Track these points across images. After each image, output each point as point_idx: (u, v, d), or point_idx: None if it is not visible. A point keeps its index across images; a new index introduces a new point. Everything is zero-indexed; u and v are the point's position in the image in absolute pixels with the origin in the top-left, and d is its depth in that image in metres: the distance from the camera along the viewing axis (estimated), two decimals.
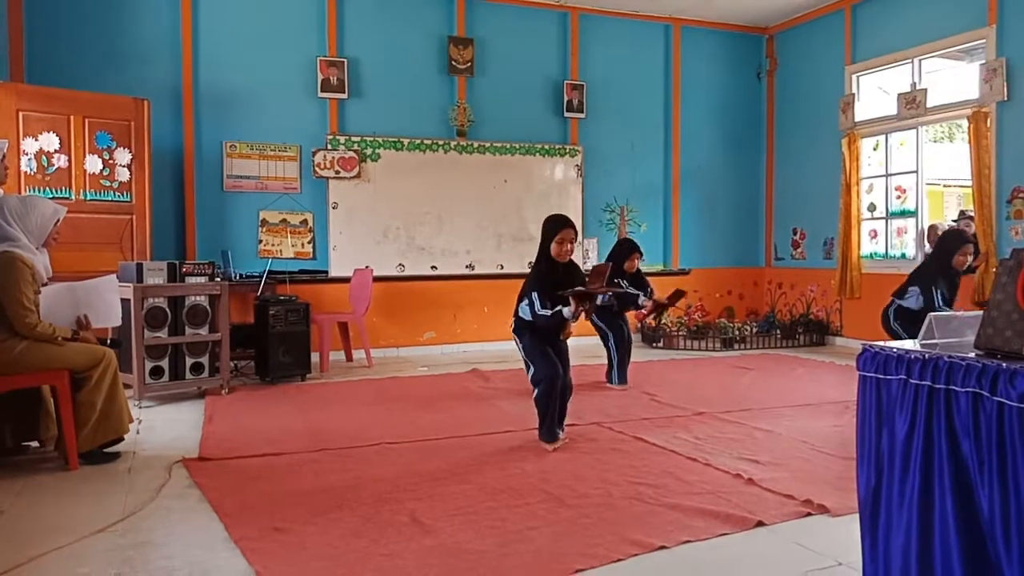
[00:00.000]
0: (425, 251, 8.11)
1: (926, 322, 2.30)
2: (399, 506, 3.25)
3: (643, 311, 6.07)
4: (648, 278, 6.31)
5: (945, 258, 5.14)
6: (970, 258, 5.13)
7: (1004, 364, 1.90)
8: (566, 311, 4.11)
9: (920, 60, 7.72)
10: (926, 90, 7.56)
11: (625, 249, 6.15)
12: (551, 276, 4.26)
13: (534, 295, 4.19)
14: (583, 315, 4.25)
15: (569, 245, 4.28)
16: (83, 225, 5.98)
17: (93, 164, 6.19)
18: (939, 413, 2.05)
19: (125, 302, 5.02)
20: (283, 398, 5.71)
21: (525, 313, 4.24)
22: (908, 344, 2.28)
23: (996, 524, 1.90)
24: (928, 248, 7.83)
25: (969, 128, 7.05)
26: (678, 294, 5.65)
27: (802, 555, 2.78)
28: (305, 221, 7.72)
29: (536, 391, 4.23)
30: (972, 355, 2.03)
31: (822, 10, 8.74)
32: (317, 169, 7.65)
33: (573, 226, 4.34)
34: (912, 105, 7.63)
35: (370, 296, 7.18)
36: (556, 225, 4.32)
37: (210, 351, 5.68)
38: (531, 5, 8.50)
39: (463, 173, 8.23)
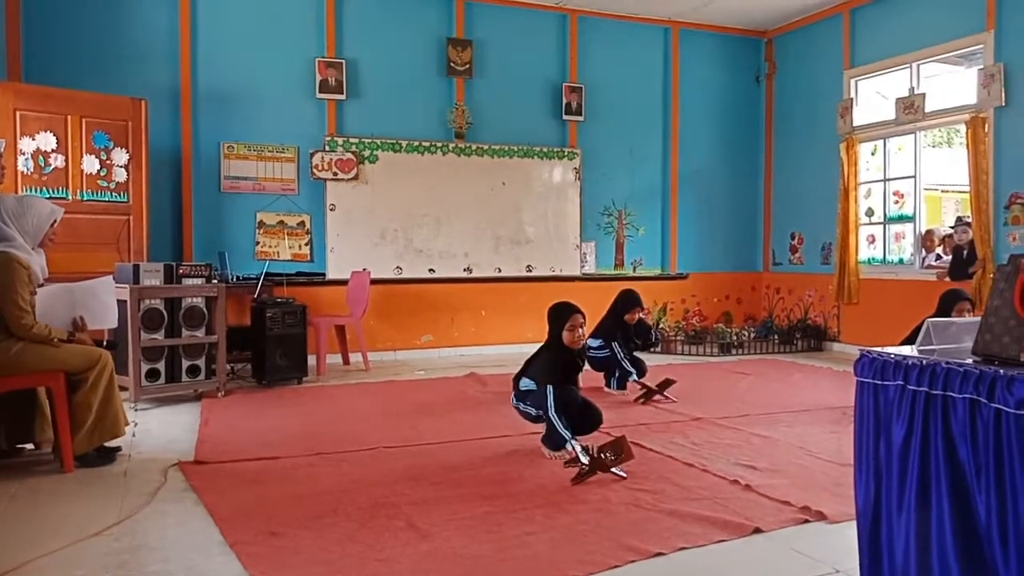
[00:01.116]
0: (423, 254, 8.10)
1: (924, 328, 2.30)
2: (395, 511, 3.24)
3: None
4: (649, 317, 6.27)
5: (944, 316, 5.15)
6: (967, 314, 5.12)
7: (1001, 370, 1.90)
8: (572, 443, 3.86)
9: (918, 65, 7.72)
10: (924, 95, 7.57)
11: (629, 302, 6.08)
12: (564, 360, 4.19)
13: (550, 390, 4.03)
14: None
15: (580, 331, 4.22)
16: (80, 225, 5.97)
17: (90, 164, 6.17)
18: (936, 419, 2.05)
19: (121, 303, 5.00)
20: (279, 401, 5.69)
21: (529, 385, 4.19)
22: (906, 350, 2.28)
23: (993, 530, 1.90)
24: (924, 253, 7.85)
25: (967, 133, 7.06)
26: (667, 383, 5.68)
27: (799, 562, 2.77)
28: (303, 223, 7.71)
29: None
30: (970, 361, 2.03)
31: (821, 14, 8.75)
32: (315, 170, 7.64)
33: (581, 311, 4.27)
34: (910, 110, 7.64)
35: (367, 299, 7.17)
36: (565, 313, 4.23)
37: (206, 353, 5.66)
38: (530, 7, 8.50)
39: (461, 175, 8.22)
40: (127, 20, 7.07)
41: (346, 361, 7.43)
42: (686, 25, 9.20)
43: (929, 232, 7.92)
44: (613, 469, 3.70)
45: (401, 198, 7.99)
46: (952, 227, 7.67)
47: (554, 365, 4.19)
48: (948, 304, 5.15)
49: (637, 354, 6.07)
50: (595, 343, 5.97)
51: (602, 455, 3.71)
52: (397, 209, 7.98)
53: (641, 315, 6.19)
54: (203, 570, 2.69)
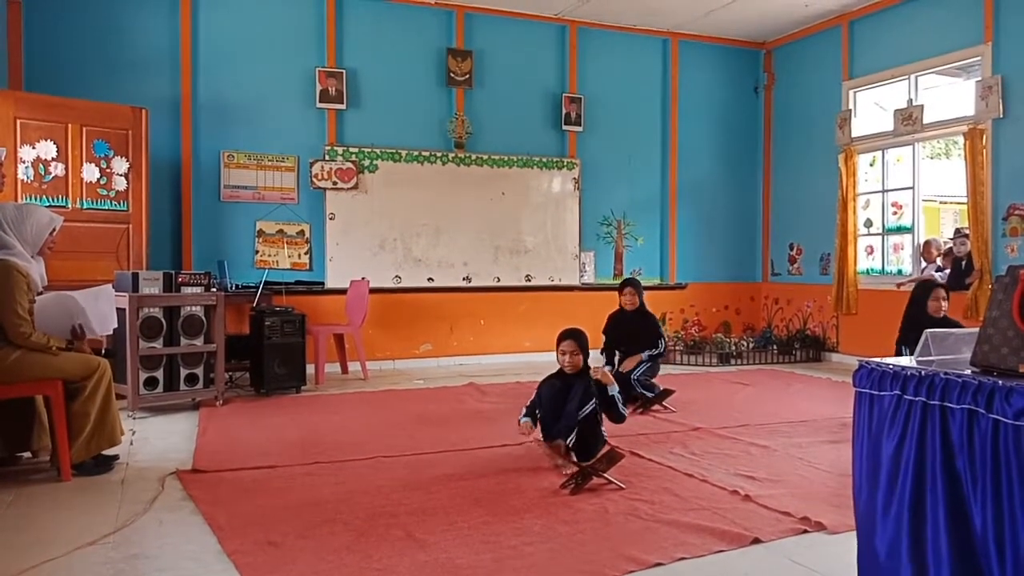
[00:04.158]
0: (422, 263, 8.11)
1: (922, 339, 2.31)
2: (393, 520, 3.23)
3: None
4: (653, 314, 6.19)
5: (918, 307, 5.16)
6: (944, 303, 5.12)
7: (1000, 381, 1.91)
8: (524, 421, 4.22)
9: (917, 76, 7.76)
10: (923, 106, 7.60)
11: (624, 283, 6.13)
12: (553, 378, 4.30)
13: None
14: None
15: (566, 357, 4.22)
16: (79, 234, 5.97)
17: (90, 173, 6.18)
18: (934, 429, 2.05)
19: (120, 312, 4.99)
20: (278, 410, 5.68)
21: None
22: (904, 361, 2.28)
23: (989, 541, 1.90)
24: (923, 264, 7.87)
25: (965, 145, 7.08)
26: (666, 393, 5.70)
27: (798, 573, 2.77)
28: (302, 232, 7.71)
29: None
30: (968, 372, 2.03)
31: (819, 25, 8.79)
32: (315, 180, 7.66)
33: (576, 336, 4.26)
34: (909, 121, 7.67)
35: (366, 308, 7.16)
36: (559, 337, 4.31)
37: (205, 362, 5.65)
38: (530, 18, 8.54)
39: (461, 185, 8.24)
40: (128, 29, 7.10)
41: (344, 370, 7.42)
42: (685, 36, 9.24)
43: (928, 243, 7.93)
44: (610, 478, 3.70)
45: (400, 208, 8.00)
46: (951, 239, 7.69)
47: (549, 383, 4.31)
48: (920, 295, 5.12)
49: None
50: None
51: (595, 468, 3.72)
52: (396, 218, 7.99)
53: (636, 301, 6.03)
54: None
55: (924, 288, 5.21)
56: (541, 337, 8.01)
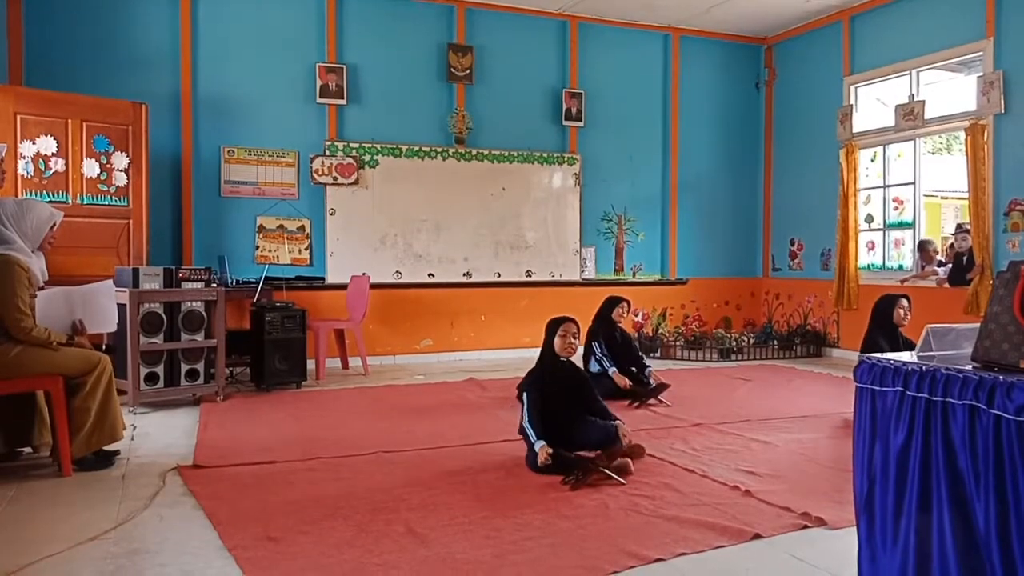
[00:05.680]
0: (422, 258, 8.11)
1: (923, 334, 2.31)
2: (394, 516, 3.24)
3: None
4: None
5: (883, 318, 5.24)
6: (905, 312, 5.22)
7: (1001, 377, 1.90)
8: (538, 446, 3.82)
9: (918, 72, 7.74)
10: (924, 102, 7.58)
11: (613, 301, 6.15)
12: (547, 368, 4.21)
13: (526, 397, 4.05)
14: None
15: (572, 339, 4.22)
16: (80, 229, 5.97)
17: (90, 168, 6.18)
18: (936, 425, 2.05)
19: (121, 307, 4.99)
20: (278, 405, 5.68)
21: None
22: (905, 356, 2.28)
23: (992, 538, 1.89)
24: (922, 263, 7.85)
25: (966, 140, 7.07)
26: (662, 387, 5.70)
27: (799, 568, 2.77)
28: (302, 227, 7.71)
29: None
30: (969, 367, 2.03)
31: (821, 21, 8.77)
32: (315, 175, 7.65)
33: (574, 320, 4.29)
34: (910, 117, 7.65)
35: (367, 303, 7.16)
36: (558, 320, 4.29)
37: (205, 357, 5.65)
38: (531, 13, 8.52)
39: (461, 181, 8.23)
40: (128, 24, 7.08)
41: (345, 365, 7.42)
42: (686, 32, 9.22)
43: (924, 244, 7.88)
44: (609, 473, 3.70)
45: (401, 203, 7.99)
46: (953, 234, 7.68)
47: (536, 373, 4.23)
48: (887, 307, 5.22)
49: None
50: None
51: (596, 463, 3.72)
52: (397, 214, 7.99)
53: (623, 323, 6.20)
54: (201, 575, 2.68)
55: (889, 302, 5.27)
56: (541, 333, 7.98)
